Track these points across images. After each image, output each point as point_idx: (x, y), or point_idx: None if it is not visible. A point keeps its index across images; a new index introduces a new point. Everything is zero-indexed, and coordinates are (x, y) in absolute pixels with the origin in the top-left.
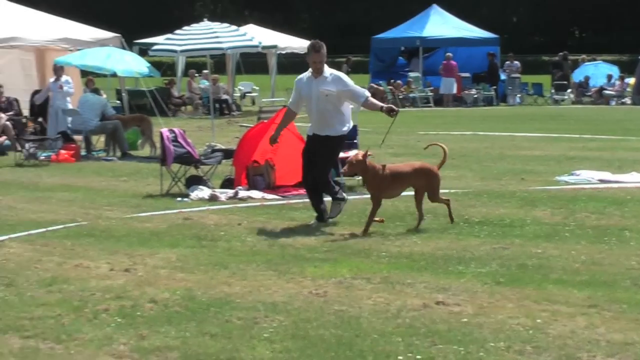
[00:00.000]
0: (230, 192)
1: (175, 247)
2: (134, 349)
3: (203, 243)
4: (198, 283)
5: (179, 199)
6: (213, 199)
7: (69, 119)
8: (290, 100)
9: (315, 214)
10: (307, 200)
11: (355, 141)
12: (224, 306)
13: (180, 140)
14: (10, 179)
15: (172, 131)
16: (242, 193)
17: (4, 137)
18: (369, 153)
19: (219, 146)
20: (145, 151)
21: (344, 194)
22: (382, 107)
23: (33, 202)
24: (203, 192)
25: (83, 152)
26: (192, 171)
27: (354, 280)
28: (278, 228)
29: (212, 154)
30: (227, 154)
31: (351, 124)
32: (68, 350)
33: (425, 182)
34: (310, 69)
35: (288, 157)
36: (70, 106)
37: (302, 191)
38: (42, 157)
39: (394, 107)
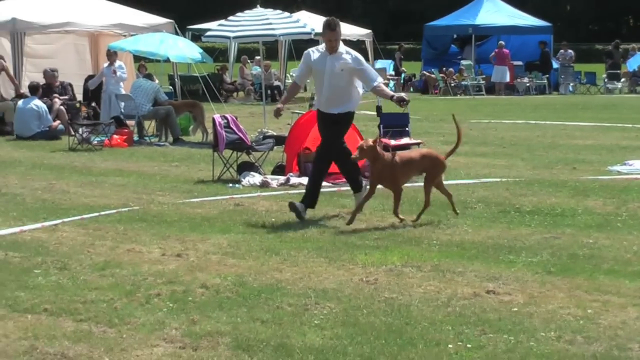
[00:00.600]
0: (282, 178)
1: (226, 233)
2: (185, 333)
3: (254, 229)
4: (249, 269)
5: (230, 185)
6: (264, 185)
7: (122, 104)
8: (297, 73)
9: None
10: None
11: (407, 129)
12: (274, 292)
13: (232, 126)
14: (63, 163)
15: (224, 117)
16: (294, 180)
17: (58, 122)
18: (420, 142)
19: (271, 132)
20: (197, 137)
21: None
22: (392, 96)
23: (86, 187)
24: (254, 178)
25: (135, 137)
26: (243, 157)
27: (404, 268)
28: (329, 215)
29: (263, 140)
30: (279, 140)
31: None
32: (120, 334)
33: (429, 166)
34: (323, 45)
35: None
36: (123, 91)
37: None
38: (95, 142)
39: (404, 96)
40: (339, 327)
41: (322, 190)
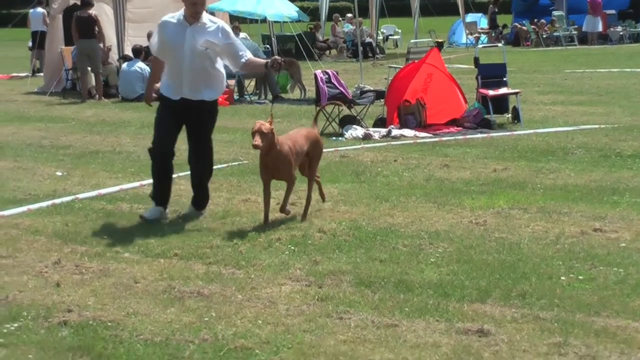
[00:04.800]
0: (383, 130)
1: (335, 183)
2: (309, 272)
3: (362, 178)
4: (362, 215)
5: (334, 138)
6: (367, 137)
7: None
8: (155, 47)
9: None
10: (450, 138)
11: (504, 79)
12: (389, 235)
13: (333, 81)
14: None
15: (325, 73)
16: (395, 131)
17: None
18: (518, 92)
19: (368, 87)
20: (296, 94)
21: None
22: (266, 63)
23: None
24: (357, 131)
25: (236, 96)
26: (345, 111)
27: (511, 211)
28: (432, 164)
29: (361, 95)
30: (378, 94)
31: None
32: (248, 275)
33: (312, 148)
34: (181, 12)
35: (439, 96)
36: None
37: (454, 129)
38: None
39: (278, 58)
40: (454, 264)
41: (422, 140)
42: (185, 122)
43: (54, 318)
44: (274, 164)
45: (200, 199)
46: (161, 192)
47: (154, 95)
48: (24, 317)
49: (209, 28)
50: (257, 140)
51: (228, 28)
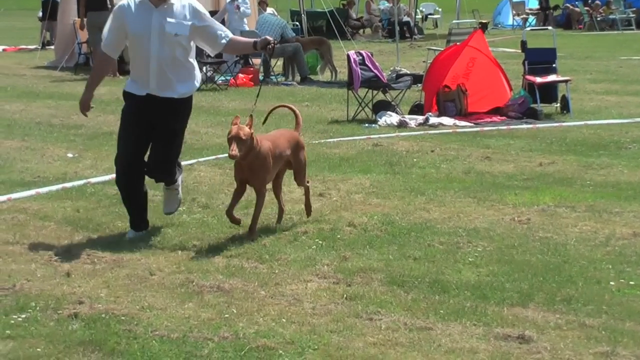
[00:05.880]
0: (420, 118)
1: (367, 173)
2: (337, 269)
3: (396, 169)
4: (395, 208)
5: (366, 124)
6: (402, 125)
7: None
8: (108, 39)
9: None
10: (492, 128)
11: (554, 65)
12: (424, 231)
13: (367, 63)
14: None
15: (359, 53)
16: (433, 119)
17: None
18: (568, 79)
19: (404, 71)
20: (326, 76)
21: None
22: (254, 42)
23: (216, 127)
24: (391, 118)
25: (261, 77)
26: (379, 96)
27: (558, 208)
28: (473, 155)
29: (397, 79)
30: (416, 78)
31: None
32: (272, 270)
33: (294, 151)
34: None
35: (481, 82)
36: (247, 28)
37: (497, 119)
38: (219, 81)
39: (269, 38)
40: (494, 264)
41: (462, 130)
42: (152, 122)
43: (63, 310)
44: (250, 167)
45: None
46: (136, 213)
47: (91, 107)
48: (32, 308)
49: (178, 10)
50: (234, 150)
51: (201, 7)
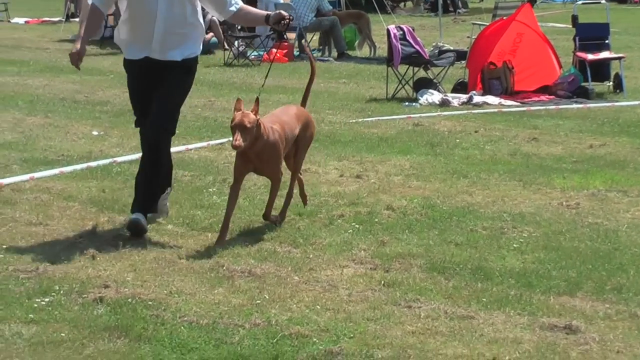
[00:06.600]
0: (464, 97)
1: (407, 154)
2: (375, 254)
3: (437, 150)
4: (436, 191)
5: (406, 103)
6: (444, 104)
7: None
8: None
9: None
10: (540, 108)
11: (607, 41)
12: (466, 215)
13: (408, 38)
14: (220, 79)
15: (399, 28)
16: (477, 98)
17: (211, 34)
18: (622, 56)
19: (447, 47)
20: (364, 51)
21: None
22: (267, 15)
23: (248, 105)
24: (433, 96)
25: (296, 52)
26: (421, 73)
27: (609, 193)
28: (519, 136)
29: (440, 55)
30: (459, 55)
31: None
32: (306, 254)
33: (302, 130)
34: None
35: (529, 59)
36: (282, 0)
37: (544, 97)
38: (252, 57)
39: (283, 13)
40: (540, 251)
41: (508, 110)
42: (152, 84)
43: (88, 294)
44: (258, 156)
45: (147, 199)
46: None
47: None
48: (56, 291)
49: None
50: (238, 140)
51: None
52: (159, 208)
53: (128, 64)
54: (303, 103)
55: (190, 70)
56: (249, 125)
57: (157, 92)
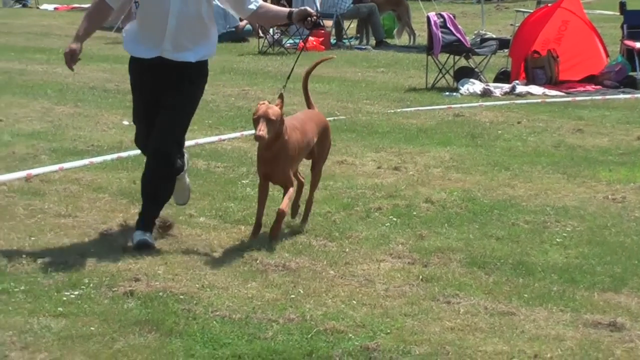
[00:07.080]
0: (506, 86)
1: (447, 146)
2: (413, 248)
3: (478, 142)
4: (477, 184)
5: (447, 93)
6: (486, 94)
7: (318, 1)
8: None
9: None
10: (585, 98)
11: None
12: (508, 209)
13: (449, 26)
14: (254, 67)
15: (440, 15)
16: (520, 88)
17: (245, 22)
18: None
19: (489, 35)
20: (403, 40)
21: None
22: (290, 12)
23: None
24: (475, 86)
25: (333, 40)
26: (462, 62)
27: None
28: (563, 128)
29: (482, 43)
30: (502, 43)
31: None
32: (342, 248)
33: (321, 134)
34: None
35: (574, 48)
36: None
37: (590, 87)
38: (287, 45)
39: (309, 10)
40: (584, 245)
41: (552, 100)
42: (161, 91)
43: (118, 287)
44: (274, 158)
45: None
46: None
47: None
48: (85, 284)
49: None
50: (262, 130)
51: None
52: (177, 189)
53: (135, 66)
54: (308, 105)
55: (203, 74)
56: (273, 118)
57: (166, 102)
